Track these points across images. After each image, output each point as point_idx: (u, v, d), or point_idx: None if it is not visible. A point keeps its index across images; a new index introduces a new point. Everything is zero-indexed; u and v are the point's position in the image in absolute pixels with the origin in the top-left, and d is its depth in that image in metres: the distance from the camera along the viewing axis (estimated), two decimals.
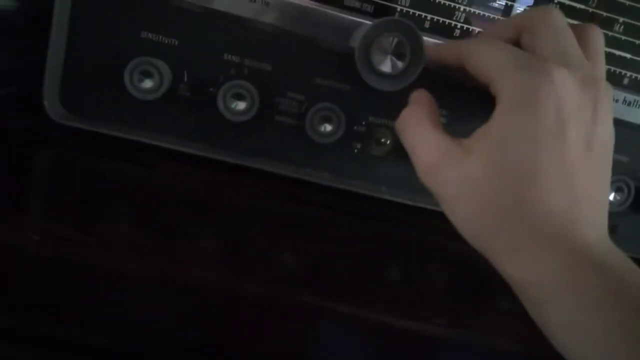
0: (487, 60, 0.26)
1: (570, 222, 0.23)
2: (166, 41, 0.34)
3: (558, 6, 0.36)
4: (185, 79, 0.35)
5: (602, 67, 0.28)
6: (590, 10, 0.36)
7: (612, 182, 0.38)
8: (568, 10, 0.36)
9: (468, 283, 0.33)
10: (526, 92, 0.24)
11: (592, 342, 0.21)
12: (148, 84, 0.33)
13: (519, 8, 0.36)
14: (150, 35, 0.34)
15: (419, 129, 0.27)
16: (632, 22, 0.37)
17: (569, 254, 0.23)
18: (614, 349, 0.21)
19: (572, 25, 0.28)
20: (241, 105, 0.34)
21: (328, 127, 0.35)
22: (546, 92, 0.23)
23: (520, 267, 0.23)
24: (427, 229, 0.37)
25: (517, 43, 0.28)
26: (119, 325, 0.29)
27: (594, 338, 0.21)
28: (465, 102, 0.34)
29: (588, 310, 0.21)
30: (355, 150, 0.37)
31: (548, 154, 0.23)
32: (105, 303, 0.28)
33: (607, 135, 0.26)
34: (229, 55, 0.35)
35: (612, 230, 0.41)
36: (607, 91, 0.26)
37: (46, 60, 0.34)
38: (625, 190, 0.38)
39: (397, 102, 0.35)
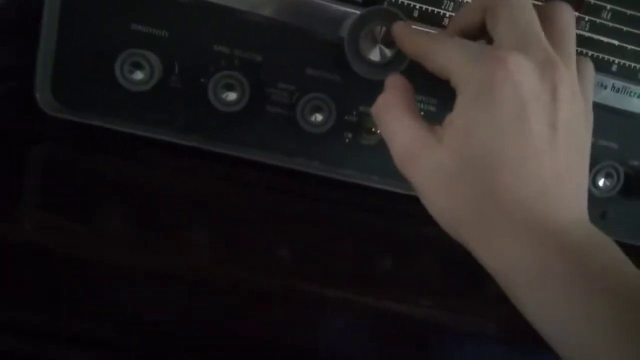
0: (443, 57, 0.26)
1: (540, 207, 0.23)
2: (156, 33, 0.34)
3: None
4: (176, 70, 0.35)
5: (568, 46, 0.27)
6: None
7: (602, 168, 0.38)
8: None
9: (458, 269, 0.34)
10: (482, 81, 0.24)
11: (563, 328, 0.21)
12: (139, 75, 0.33)
13: None
14: (140, 26, 0.34)
15: (395, 117, 0.27)
16: (620, 9, 0.37)
17: (541, 241, 0.23)
18: (583, 334, 0.21)
19: (537, 6, 0.27)
20: (232, 96, 0.34)
21: (319, 117, 0.36)
22: (501, 79, 0.23)
23: (495, 256, 0.24)
24: (418, 217, 0.37)
25: (483, 25, 0.28)
26: (113, 317, 0.29)
27: (564, 323, 0.21)
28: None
29: (559, 297, 0.21)
30: (347, 140, 0.38)
31: (511, 140, 0.23)
32: (100, 295, 0.28)
33: (574, 115, 0.25)
34: (219, 46, 0.35)
35: (602, 215, 0.41)
36: (568, 72, 0.25)
37: (37, 53, 0.34)
38: (615, 176, 0.38)
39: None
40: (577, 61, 0.28)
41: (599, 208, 0.41)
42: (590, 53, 0.38)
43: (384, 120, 0.28)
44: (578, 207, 0.25)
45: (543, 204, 0.23)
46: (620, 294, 0.21)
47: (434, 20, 0.35)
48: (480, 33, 0.28)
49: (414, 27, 0.32)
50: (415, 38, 0.30)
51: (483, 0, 0.27)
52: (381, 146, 0.37)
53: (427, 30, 0.33)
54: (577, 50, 0.37)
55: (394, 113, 0.27)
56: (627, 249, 0.40)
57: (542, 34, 0.26)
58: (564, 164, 0.24)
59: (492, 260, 0.24)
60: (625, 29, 0.38)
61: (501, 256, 0.23)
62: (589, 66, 0.29)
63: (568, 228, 0.23)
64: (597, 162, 0.38)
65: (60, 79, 0.34)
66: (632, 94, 0.38)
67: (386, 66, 0.33)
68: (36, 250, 0.26)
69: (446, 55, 0.26)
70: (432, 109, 0.37)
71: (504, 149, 0.23)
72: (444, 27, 0.35)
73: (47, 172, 0.35)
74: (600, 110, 0.38)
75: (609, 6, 0.37)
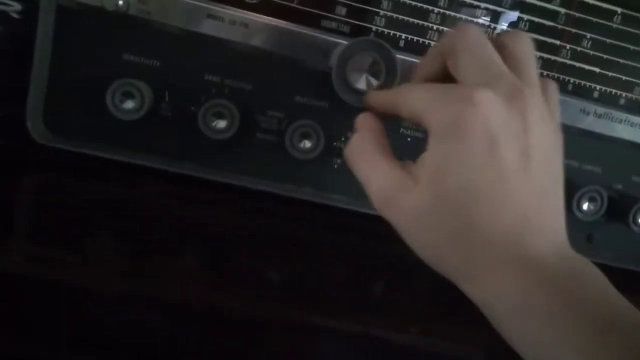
0: (411, 103, 0.27)
1: (519, 238, 0.23)
2: (147, 62, 0.35)
3: (527, 24, 0.37)
4: (167, 99, 0.35)
5: (529, 73, 0.26)
6: (559, 27, 0.38)
7: (586, 192, 0.39)
8: (538, 28, 0.37)
9: (446, 294, 0.34)
10: (451, 120, 0.24)
11: (547, 356, 0.22)
12: (130, 104, 0.34)
13: (501, 26, 0.37)
14: (132, 56, 0.35)
15: (369, 161, 0.27)
16: (599, 37, 0.38)
17: (521, 272, 0.23)
18: None
19: (494, 37, 0.27)
20: (222, 124, 0.35)
21: (307, 144, 0.36)
22: (469, 115, 0.24)
23: (478, 289, 0.24)
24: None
25: (445, 71, 0.28)
26: (104, 344, 0.29)
27: (549, 353, 0.21)
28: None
29: (542, 327, 0.22)
30: (335, 166, 0.38)
31: (484, 174, 0.24)
32: (90, 322, 0.28)
33: (545, 141, 0.25)
34: (210, 75, 0.36)
35: (588, 239, 0.42)
36: (535, 98, 0.25)
37: (29, 82, 0.34)
38: (599, 199, 0.39)
39: None
40: (542, 83, 0.28)
41: (585, 231, 0.41)
42: (572, 80, 0.39)
43: (357, 164, 0.28)
44: (557, 232, 0.25)
45: (522, 234, 0.24)
46: (603, 320, 0.21)
47: (419, 50, 0.36)
48: (443, 79, 0.28)
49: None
50: (382, 95, 0.30)
51: (440, 47, 0.28)
52: None
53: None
54: (559, 78, 0.38)
55: (368, 157, 0.27)
56: (614, 271, 0.40)
57: (503, 66, 0.26)
58: (539, 190, 0.24)
59: (475, 292, 0.24)
60: (605, 56, 0.39)
61: (484, 288, 0.24)
62: (553, 87, 0.29)
63: (548, 256, 0.23)
64: (581, 186, 0.39)
65: (51, 108, 0.35)
66: (614, 119, 0.39)
67: None
68: (26, 281, 0.27)
69: (414, 100, 0.27)
70: (419, 135, 0.38)
71: (478, 184, 0.24)
72: None
73: (38, 201, 0.35)
74: (584, 136, 0.39)
75: (589, 35, 0.38)
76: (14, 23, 0.35)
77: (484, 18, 0.37)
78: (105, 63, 0.35)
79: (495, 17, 0.37)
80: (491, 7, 0.37)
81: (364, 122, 0.29)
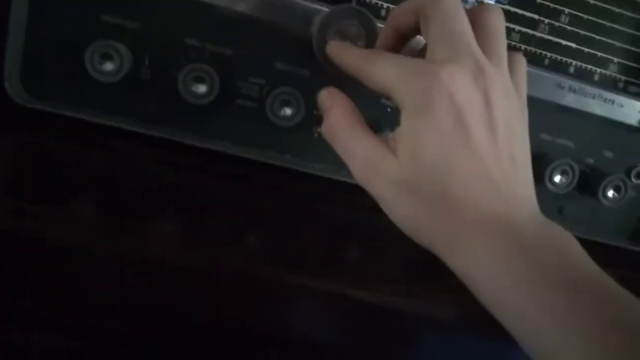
0: (380, 79, 0.27)
1: (493, 205, 0.25)
2: (127, 24, 0.34)
3: None
4: (146, 62, 0.35)
5: (497, 47, 0.28)
6: (538, 1, 0.38)
7: (558, 166, 0.40)
8: (517, 2, 0.38)
9: (422, 261, 0.35)
10: (419, 97, 0.25)
11: (523, 319, 0.23)
12: (109, 66, 0.33)
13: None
14: (110, 17, 0.34)
15: (348, 135, 0.28)
16: (577, 13, 0.39)
17: (497, 239, 0.24)
18: (542, 323, 0.22)
19: (469, 9, 0.28)
20: (202, 89, 0.35)
21: (288, 111, 0.36)
22: (436, 92, 0.25)
23: (456, 257, 0.25)
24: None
25: (417, 25, 0.29)
26: (84, 303, 0.29)
27: (524, 315, 0.22)
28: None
29: (519, 292, 0.23)
30: (316, 134, 0.39)
31: (455, 147, 0.25)
32: (70, 281, 0.29)
33: (509, 114, 0.27)
34: (190, 39, 0.35)
35: (559, 211, 0.43)
36: (498, 74, 0.27)
37: (6, 42, 0.34)
38: (570, 173, 0.40)
39: (354, 88, 0.36)
40: (509, 57, 0.29)
41: (556, 204, 0.43)
42: (549, 55, 0.39)
43: (337, 141, 0.29)
44: (528, 200, 0.27)
45: (495, 202, 0.25)
46: (573, 282, 0.22)
47: None
48: (414, 33, 0.29)
49: (347, 45, 0.33)
50: (349, 57, 0.31)
51: (415, 4, 0.28)
52: None
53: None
54: (536, 52, 0.39)
55: (347, 132, 0.28)
56: (583, 243, 0.42)
57: (471, 40, 0.27)
58: (507, 162, 0.26)
59: (453, 260, 0.25)
60: (582, 32, 0.39)
61: (461, 256, 0.24)
62: (521, 61, 0.30)
63: (522, 222, 0.24)
64: (554, 159, 0.40)
65: (29, 68, 0.34)
66: (588, 95, 0.40)
67: None
68: (4, 236, 0.27)
69: (382, 75, 0.27)
70: None
71: (450, 156, 0.25)
72: None
73: (16, 160, 0.35)
74: (558, 110, 0.40)
75: (567, 10, 0.39)
76: None
77: None
78: (84, 24, 0.34)
79: None
80: None
81: (334, 99, 0.30)
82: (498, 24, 0.28)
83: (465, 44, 0.26)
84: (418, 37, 0.31)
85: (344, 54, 0.31)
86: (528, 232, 0.24)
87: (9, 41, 0.34)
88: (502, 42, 0.28)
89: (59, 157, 0.35)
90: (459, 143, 0.25)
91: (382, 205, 0.27)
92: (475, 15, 0.28)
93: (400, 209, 0.26)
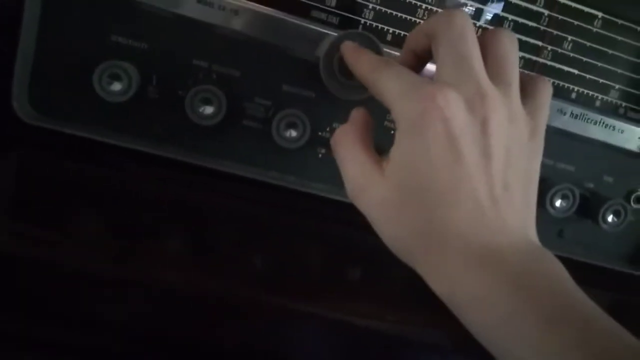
0: (383, 89, 0.27)
1: (478, 232, 0.24)
2: (135, 45, 0.35)
3: (512, 24, 0.38)
4: (154, 82, 0.35)
5: (507, 73, 0.27)
6: (542, 28, 0.39)
7: (559, 190, 0.40)
8: (521, 28, 0.38)
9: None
10: (414, 118, 0.25)
11: (506, 350, 0.22)
12: (117, 86, 0.34)
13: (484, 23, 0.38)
14: (119, 38, 0.35)
15: (348, 151, 0.28)
16: (580, 40, 0.39)
17: (481, 265, 0.24)
18: (526, 356, 0.22)
19: (481, 33, 0.28)
20: (209, 110, 0.35)
21: (293, 133, 0.37)
22: (432, 116, 0.25)
23: (439, 281, 0.25)
24: None
25: (430, 48, 0.29)
26: (89, 324, 0.29)
27: (507, 346, 0.22)
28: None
29: (501, 321, 0.22)
30: (320, 155, 0.39)
31: (444, 173, 0.25)
32: (75, 302, 0.29)
33: (510, 141, 0.26)
34: (198, 60, 0.36)
35: (559, 234, 0.44)
36: (502, 100, 0.26)
37: (15, 60, 0.34)
38: (571, 197, 0.41)
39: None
40: (532, 82, 0.29)
41: (556, 227, 0.43)
42: (551, 81, 0.40)
43: (338, 152, 0.29)
44: (520, 228, 0.26)
45: (481, 230, 0.24)
46: (558, 313, 0.22)
47: None
48: (430, 55, 0.29)
49: (361, 49, 0.33)
50: (363, 63, 0.31)
51: (428, 27, 0.28)
52: None
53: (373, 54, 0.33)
54: None
55: (347, 146, 0.28)
56: (583, 266, 0.42)
57: (477, 64, 0.26)
58: (500, 188, 0.25)
59: (437, 286, 0.25)
60: (584, 59, 0.40)
61: (445, 283, 0.24)
62: (544, 85, 0.29)
63: (507, 252, 0.24)
64: (555, 184, 0.40)
65: (37, 87, 0.35)
66: (589, 120, 0.41)
67: (359, 87, 0.35)
68: (10, 259, 0.27)
69: (385, 87, 0.27)
70: None
71: (438, 182, 0.25)
72: None
73: (23, 178, 0.35)
74: (559, 135, 0.41)
75: (570, 37, 0.39)
76: (1, 1, 0.34)
77: (470, 16, 0.38)
78: (93, 44, 0.34)
79: (478, 14, 0.38)
80: (477, 5, 0.38)
81: (357, 115, 0.30)
82: (508, 48, 0.28)
83: (469, 68, 0.26)
84: None
85: (359, 58, 0.31)
86: (513, 262, 0.24)
87: (18, 61, 0.34)
88: (511, 67, 0.27)
89: (65, 175, 0.35)
90: (448, 168, 0.25)
91: (371, 224, 0.27)
92: (485, 40, 0.28)
93: (387, 229, 0.26)
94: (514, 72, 0.27)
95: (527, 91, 0.28)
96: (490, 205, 0.25)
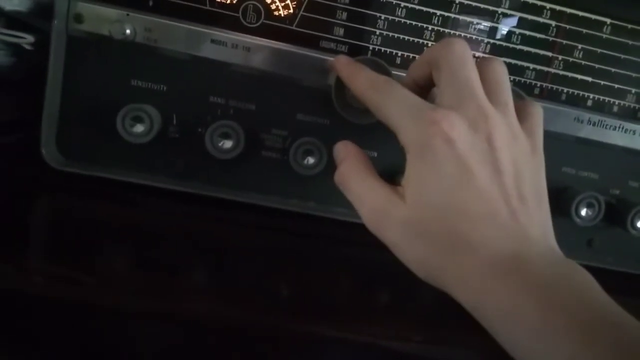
0: (387, 114, 0.29)
1: (501, 244, 0.25)
2: (155, 87, 0.36)
3: (520, 37, 0.39)
4: (175, 121, 0.37)
5: (502, 95, 0.29)
6: (550, 39, 0.39)
7: (583, 199, 0.40)
8: (530, 41, 0.39)
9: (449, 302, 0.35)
10: (422, 142, 0.26)
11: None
12: (139, 128, 0.35)
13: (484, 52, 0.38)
14: (139, 82, 0.36)
15: (359, 183, 0.29)
16: (590, 47, 0.39)
17: (506, 281, 0.24)
18: None
19: (478, 60, 0.30)
20: (228, 144, 0.36)
21: (311, 160, 0.37)
22: (437, 140, 0.26)
23: (469, 300, 0.25)
24: None
25: (432, 76, 0.30)
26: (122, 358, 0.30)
27: (539, 357, 0.22)
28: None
29: (530, 332, 0.22)
30: None
31: (460, 193, 0.25)
32: (105, 339, 0.29)
33: (518, 155, 0.27)
34: (215, 98, 0.37)
35: (589, 243, 0.43)
36: (503, 119, 0.28)
37: (43, 110, 0.36)
38: (597, 205, 0.40)
39: (372, 134, 0.37)
40: (523, 106, 0.30)
41: (585, 237, 0.42)
42: (565, 90, 0.40)
43: (348, 187, 0.30)
44: (541, 238, 0.26)
45: (504, 241, 0.25)
46: (590, 325, 0.22)
47: None
48: (431, 83, 0.31)
49: (355, 63, 0.34)
50: (361, 81, 0.32)
51: (428, 56, 0.30)
52: None
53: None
54: (552, 88, 0.40)
55: (358, 179, 0.29)
56: (614, 274, 0.41)
57: (477, 86, 0.28)
58: (517, 200, 0.26)
59: (466, 301, 0.25)
60: (597, 66, 0.40)
61: (473, 297, 0.25)
62: (534, 108, 0.31)
63: (533, 261, 0.24)
64: (579, 193, 0.40)
65: (64, 134, 0.37)
66: (608, 126, 0.40)
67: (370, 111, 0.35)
68: (44, 301, 0.28)
69: (389, 110, 0.29)
70: None
71: (455, 198, 0.25)
72: None
73: (53, 222, 0.36)
74: (579, 143, 0.40)
75: (580, 46, 0.39)
76: (28, 54, 0.36)
77: (476, 34, 0.38)
78: (115, 89, 0.36)
79: (489, 32, 0.38)
80: (484, 23, 0.38)
81: (347, 150, 0.31)
82: (501, 73, 0.30)
83: (470, 90, 0.28)
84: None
85: (355, 76, 0.32)
86: (539, 271, 0.24)
87: (45, 110, 0.36)
88: (506, 90, 0.29)
89: (93, 215, 0.36)
90: (463, 186, 0.25)
91: (393, 250, 0.27)
92: (480, 67, 0.29)
93: (410, 252, 0.26)
94: (508, 94, 0.29)
95: (520, 115, 0.30)
96: (509, 217, 0.26)
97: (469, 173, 0.25)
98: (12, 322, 0.28)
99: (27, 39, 0.35)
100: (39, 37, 0.36)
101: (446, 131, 0.26)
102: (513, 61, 0.39)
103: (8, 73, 0.37)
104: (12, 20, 0.36)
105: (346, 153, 0.31)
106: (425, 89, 0.31)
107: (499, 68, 0.30)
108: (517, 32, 0.39)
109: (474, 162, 0.26)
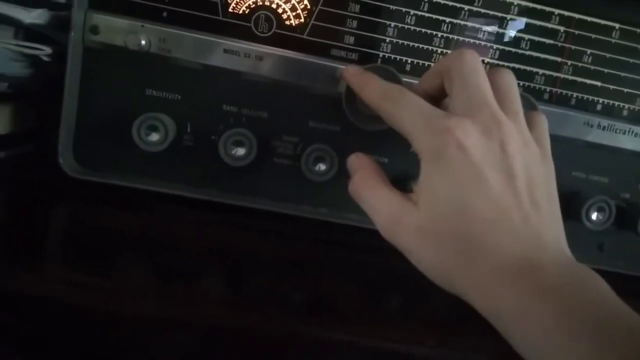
0: (400, 121, 0.29)
1: (515, 250, 0.25)
2: (169, 97, 0.37)
3: (529, 43, 0.39)
4: (189, 130, 0.38)
5: (512, 103, 0.29)
6: (559, 44, 0.39)
7: (594, 203, 0.40)
8: (539, 46, 0.39)
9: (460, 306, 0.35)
10: (435, 150, 0.27)
11: None
12: (154, 137, 0.36)
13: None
14: (154, 92, 0.37)
15: (372, 193, 0.30)
16: (599, 52, 0.40)
17: (520, 285, 0.24)
18: None
19: (488, 70, 0.30)
20: (241, 151, 0.37)
21: (322, 166, 0.38)
22: (452, 147, 0.26)
23: (484, 304, 0.25)
24: None
25: (444, 87, 0.30)
26: None
27: None
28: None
29: (543, 337, 0.23)
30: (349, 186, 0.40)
31: (473, 196, 0.26)
32: (124, 345, 0.30)
33: (530, 161, 0.28)
34: (228, 106, 0.38)
35: (600, 247, 0.43)
36: (515, 126, 0.28)
37: (60, 120, 0.37)
38: (607, 209, 0.40)
39: (383, 140, 0.38)
40: (529, 116, 0.31)
41: (596, 241, 0.42)
42: (574, 95, 0.40)
43: (362, 197, 0.30)
44: (554, 242, 0.27)
45: (518, 246, 0.25)
46: (603, 327, 0.22)
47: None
48: (442, 94, 0.31)
49: (366, 72, 0.34)
50: (372, 90, 0.32)
51: (440, 66, 0.31)
52: None
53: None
54: (562, 93, 0.40)
55: (371, 189, 0.30)
56: (626, 278, 0.41)
57: (489, 96, 0.28)
58: (530, 205, 0.26)
59: (481, 305, 0.25)
60: (606, 70, 0.40)
61: (488, 301, 0.25)
62: (539, 118, 0.31)
63: (546, 265, 0.25)
64: (589, 197, 0.40)
65: (81, 143, 0.37)
66: (618, 130, 0.41)
67: (381, 118, 0.36)
68: (62, 307, 0.28)
69: (401, 118, 0.29)
70: None
71: (469, 204, 0.26)
72: None
73: (70, 229, 0.37)
74: (589, 148, 0.41)
75: (589, 51, 0.40)
76: (46, 65, 0.37)
77: (485, 40, 0.39)
78: (130, 99, 0.37)
79: (498, 38, 0.39)
80: (493, 30, 0.38)
81: (360, 162, 0.32)
82: (511, 83, 0.30)
83: (482, 97, 0.28)
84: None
85: (367, 86, 0.33)
86: (552, 275, 0.24)
87: (63, 120, 0.37)
88: (516, 99, 0.30)
89: (109, 223, 0.37)
90: (476, 192, 0.26)
91: (408, 256, 0.28)
92: (490, 77, 0.30)
93: (425, 258, 0.27)
94: (518, 102, 0.30)
95: (528, 124, 0.30)
96: (523, 222, 0.26)
97: (483, 179, 0.26)
98: (31, 328, 0.29)
99: (45, 51, 0.36)
100: (56, 48, 0.37)
101: (460, 138, 0.26)
102: (522, 67, 0.39)
103: (27, 84, 0.38)
104: (31, 32, 0.37)
105: (359, 164, 0.32)
106: (436, 100, 0.32)
107: (509, 78, 0.30)
108: (526, 38, 0.39)
109: (488, 168, 0.26)
